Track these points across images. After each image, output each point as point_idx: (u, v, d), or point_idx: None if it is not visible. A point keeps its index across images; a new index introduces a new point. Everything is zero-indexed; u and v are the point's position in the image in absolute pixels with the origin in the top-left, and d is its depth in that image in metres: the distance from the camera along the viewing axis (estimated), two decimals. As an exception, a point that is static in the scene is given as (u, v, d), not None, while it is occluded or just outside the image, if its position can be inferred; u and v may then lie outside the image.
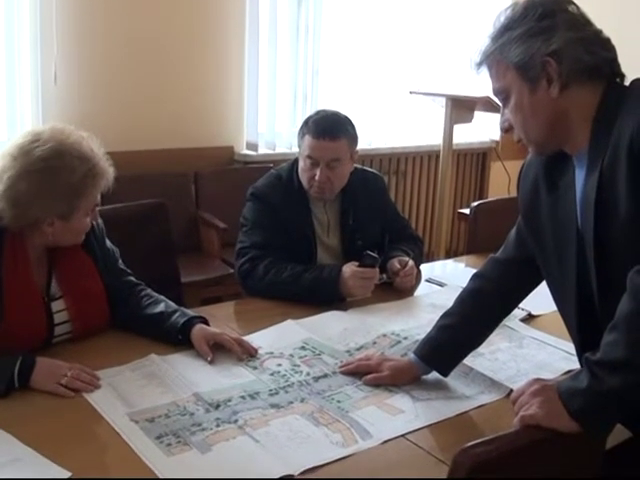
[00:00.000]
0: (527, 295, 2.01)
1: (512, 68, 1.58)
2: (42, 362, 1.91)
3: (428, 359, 2.00)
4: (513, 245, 1.97)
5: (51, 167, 1.97)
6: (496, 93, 1.67)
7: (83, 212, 2.06)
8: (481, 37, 1.65)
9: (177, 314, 2.19)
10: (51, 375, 1.89)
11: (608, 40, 1.59)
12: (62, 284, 2.14)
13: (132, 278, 2.34)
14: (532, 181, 1.78)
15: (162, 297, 2.29)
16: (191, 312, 2.22)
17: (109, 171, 2.09)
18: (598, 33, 1.59)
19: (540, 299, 2.59)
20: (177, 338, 2.15)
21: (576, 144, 1.61)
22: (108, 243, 2.31)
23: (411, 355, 2.04)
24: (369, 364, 2.05)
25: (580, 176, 1.62)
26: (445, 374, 2.01)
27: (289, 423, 1.78)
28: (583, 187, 1.60)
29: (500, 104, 1.69)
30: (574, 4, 1.59)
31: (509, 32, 1.58)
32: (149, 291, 2.32)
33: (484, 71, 1.68)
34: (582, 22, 1.58)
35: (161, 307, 2.23)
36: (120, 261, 2.33)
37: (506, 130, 1.69)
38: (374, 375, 2.01)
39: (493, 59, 1.62)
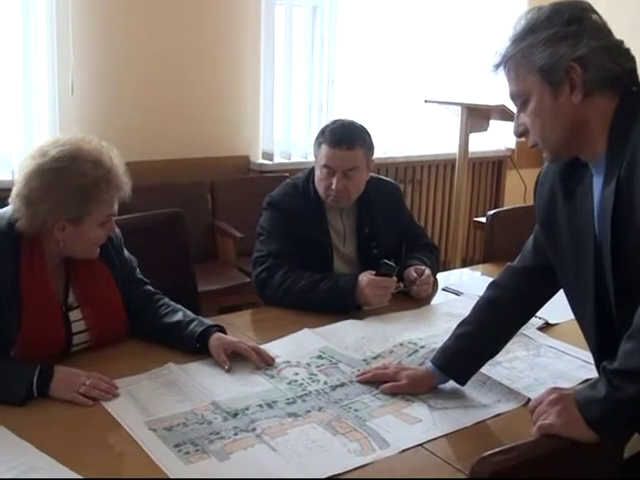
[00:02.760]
0: (545, 303, 2.01)
1: (535, 71, 1.56)
2: (60, 371, 1.92)
3: (445, 368, 2.00)
4: (530, 253, 1.96)
5: (63, 167, 2.00)
6: (513, 97, 1.65)
7: (95, 220, 2.05)
8: (500, 40, 1.63)
9: (195, 323, 2.20)
10: (70, 384, 1.90)
11: (628, 50, 1.58)
12: (79, 294, 2.16)
13: (150, 287, 2.35)
14: (549, 189, 1.77)
15: (179, 306, 2.30)
16: (209, 321, 2.23)
17: (124, 182, 2.09)
18: (620, 43, 1.58)
19: (557, 308, 2.58)
20: (195, 346, 2.16)
21: (593, 152, 1.60)
22: (126, 253, 2.32)
23: (428, 364, 2.04)
24: (386, 373, 2.05)
25: (597, 184, 1.61)
26: (462, 383, 2.01)
27: (307, 432, 1.78)
28: (600, 195, 1.59)
29: (516, 108, 1.67)
30: (597, 13, 1.58)
31: (533, 35, 1.56)
32: (166, 300, 2.33)
33: (500, 75, 1.66)
34: (606, 31, 1.57)
35: (179, 316, 2.24)
36: (138, 270, 2.35)
37: (520, 135, 1.67)
38: (392, 384, 2.01)
39: (514, 62, 1.60)
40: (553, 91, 1.56)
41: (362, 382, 2.05)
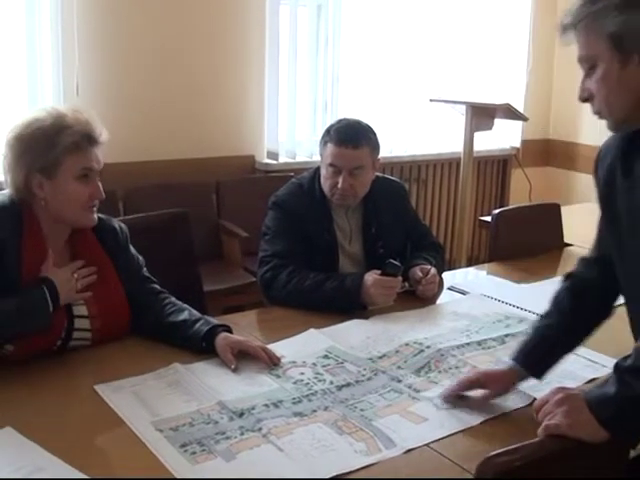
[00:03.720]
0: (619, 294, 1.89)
1: (605, 37, 1.51)
2: (61, 284, 2.06)
3: (526, 364, 1.91)
4: (596, 242, 1.89)
5: (28, 123, 2.07)
6: (581, 61, 1.59)
7: (69, 171, 2.07)
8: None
9: (201, 322, 2.20)
10: (70, 288, 2.09)
11: None
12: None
13: (156, 286, 2.36)
14: (608, 165, 1.71)
15: (186, 305, 2.31)
16: (215, 320, 2.23)
17: (93, 129, 2.11)
18: None
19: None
20: (201, 346, 2.16)
21: None
22: (133, 250, 2.33)
23: (509, 361, 1.95)
24: (472, 381, 1.96)
25: None
26: (540, 377, 1.93)
27: (312, 431, 1.78)
28: None
29: (583, 72, 1.62)
30: None
31: None
32: (173, 299, 2.33)
33: (570, 36, 1.59)
34: None
35: (185, 315, 2.25)
36: (145, 269, 2.35)
37: (584, 100, 1.61)
38: (483, 393, 1.94)
39: (585, 25, 1.54)
40: (622, 59, 1.52)
41: (449, 397, 1.96)
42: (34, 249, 2.08)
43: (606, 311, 1.92)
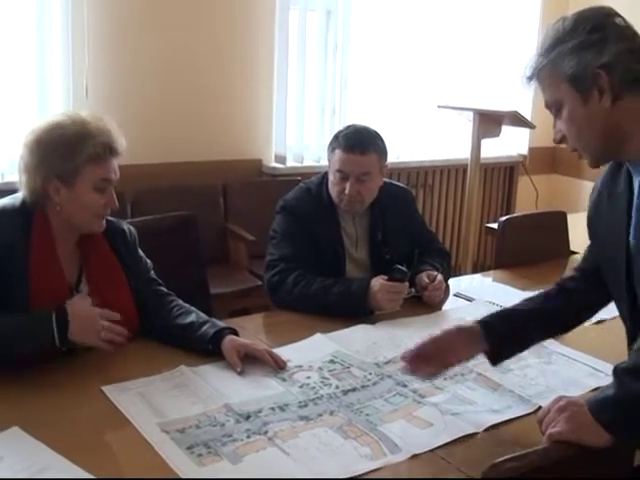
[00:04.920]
0: (599, 307, 1.98)
1: (565, 80, 1.59)
2: (75, 314, 1.99)
3: (489, 328, 1.94)
4: (586, 253, 1.98)
5: (49, 129, 2.07)
6: (548, 105, 1.67)
7: (88, 181, 2.07)
8: (531, 52, 1.66)
9: (208, 325, 2.21)
10: (89, 329, 1.99)
11: None
12: (90, 283, 2.18)
13: (163, 288, 2.37)
14: (598, 191, 1.80)
15: (193, 308, 2.32)
16: (222, 323, 2.24)
17: (115, 140, 2.10)
18: None
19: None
20: (207, 348, 2.17)
21: (630, 152, 1.61)
22: (141, 253, 2.34)
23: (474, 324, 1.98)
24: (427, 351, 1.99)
25: (637, 184, 1.62)
26: (495, 359, 1.96)
27: (318, 435, 1.79)
28: (638, 195, 1.61)
29: (553, 116, 1.69)
30: (620, 16, 1.60)
31: (561, 45, 1.58)
32: (179, 302, 2.34)
33: (533, 85, 1.68)
34: (630, 34, 1.59)
35: (192, 317, 2.26)
36: (152, 272, 2.36)
37: (559, 141, 1.69)
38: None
39: (546, 72, 1.62)
40: (583, 98, 1.58)
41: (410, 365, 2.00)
42: (43, 253, 2.07)
43: (577, 320, 2.02)
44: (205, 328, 2.20)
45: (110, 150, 2.09)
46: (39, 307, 2.02)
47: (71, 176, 2.05)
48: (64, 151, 2.04)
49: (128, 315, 2.21)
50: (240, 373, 2.09)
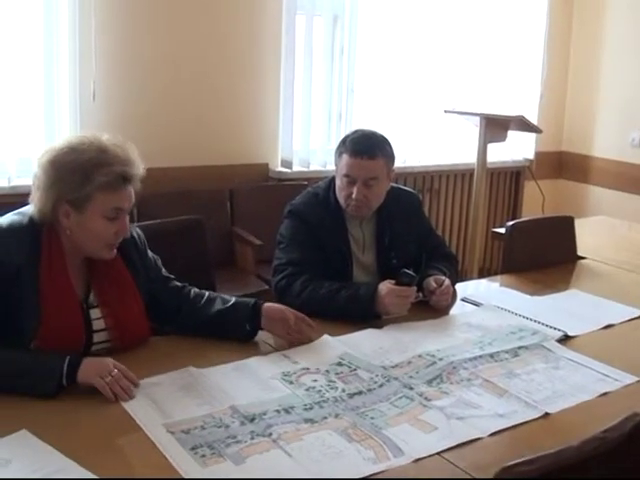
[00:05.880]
0: None
1: None
2: (88, 360, 1.96)
3: None
4: None
5: (67, 151, 2.04)
6: None
7: (99, 209, 2.03)
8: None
9: (235, 309, 2.34)
10: (97, 369, 1.93)
11: None
12: (99, 294, 2.17)
13: (177, 283, 2.39)
14: None
15: (211, 293, 2.38)
16: (243, 300, 2.40)
17: (131, 172, 2.07)
18: None
19: (576, 320, 2.59)
20: (245, 330, 2.31)
21: None
22: (150, 254, 2.35)
23: None
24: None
25: None
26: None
27: (322, 438, 1.79)
28: None
29: None
30: None
31: None
32: (196, 290, 2.38)
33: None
34: None
35: (218, 304, 2.34)
36: (163, 269, 2.38)
37: None
38: None
39: None
40: None
41: None
42: (53, 272, 2.05)
43: None
44: (236, 312, 2.33)
45: (124, 178, 2.05)
46: (50, 325, 2.02)
47: (82, 203, 2.02)
48: (77, 177, 2.00)
49: (138, 325, 2.22)
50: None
